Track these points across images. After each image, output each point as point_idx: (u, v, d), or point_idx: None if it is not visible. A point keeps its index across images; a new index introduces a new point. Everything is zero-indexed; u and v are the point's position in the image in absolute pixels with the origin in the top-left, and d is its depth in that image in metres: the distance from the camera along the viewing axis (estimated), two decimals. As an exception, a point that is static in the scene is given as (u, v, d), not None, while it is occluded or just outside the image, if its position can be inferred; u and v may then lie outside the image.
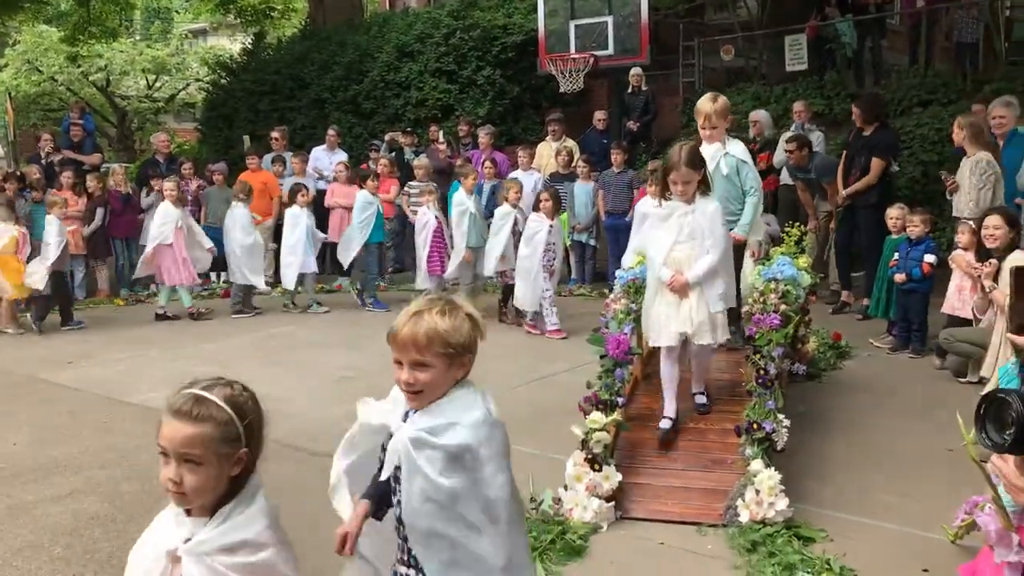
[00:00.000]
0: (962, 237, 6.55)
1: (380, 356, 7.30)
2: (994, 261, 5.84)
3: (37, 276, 8.68)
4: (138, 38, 29.26)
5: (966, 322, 6.39)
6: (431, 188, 9.56)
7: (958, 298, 6.53)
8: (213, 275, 11.48)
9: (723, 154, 5.39)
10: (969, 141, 7.13)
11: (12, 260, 8.74)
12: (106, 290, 10.95)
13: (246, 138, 14.03)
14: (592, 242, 10.68)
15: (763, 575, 3.52)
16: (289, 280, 9.80)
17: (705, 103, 5.53)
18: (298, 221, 9.80)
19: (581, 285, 10.54)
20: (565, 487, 4.20)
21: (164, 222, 9.52)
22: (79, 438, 5.53)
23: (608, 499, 4.11)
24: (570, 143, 11.44)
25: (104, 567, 3.77)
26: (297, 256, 9.72)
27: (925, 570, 3.59)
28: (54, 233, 8.90)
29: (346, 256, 9.78)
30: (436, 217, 9.20)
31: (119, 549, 3.90)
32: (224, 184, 11.53)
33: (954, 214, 7.36)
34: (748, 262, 5.58)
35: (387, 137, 12.69)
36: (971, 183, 7.00)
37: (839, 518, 4.09)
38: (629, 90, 12.57)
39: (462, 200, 8.99)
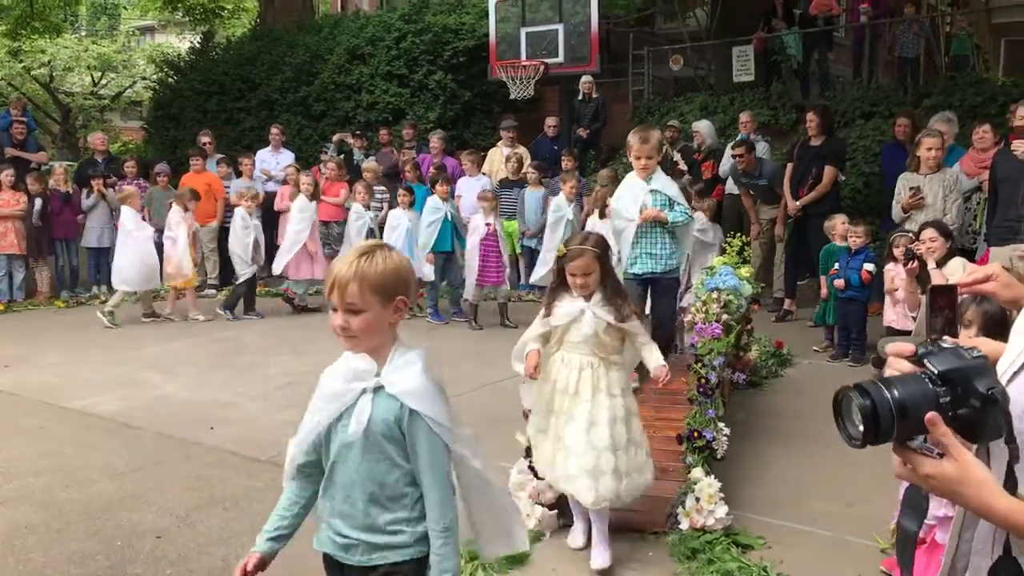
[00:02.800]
0: (898, 250, 6.71)
1: (326, 363, 7.29)
2: (914, 265, 6.02)
3: None
4: (84, 34, 28.72)
5: (906, 334, 6.54)
6: (488, 195, 9.18)
7: (894, 310, 6.69)
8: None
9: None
10: (941, 159, 7.28)
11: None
12: (46, 292, 10.72)
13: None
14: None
15: (702, 582, 3.57)
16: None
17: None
18: (399, 222, 9.55)
19: (530, 291, 10.58)
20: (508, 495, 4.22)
21: (303, 215, 9.67)
22: (13, 444, 5.40)
23: (551, 507, 4.13)
24: (521, 149, 11.48)
25: (37, 578, 3.70)
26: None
27: (859, 576, 3.68)
28: None
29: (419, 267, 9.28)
30: (487, 224, 8.93)
31: (54, 559, 3.83)
32: (168, 185, 11.37)
33: (914, 228, 7.42)
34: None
35: (335, 138, 12.61)
36: (951, 199, 7.09)
37: (777, 525, 4.17)
38: (580, 97, 12.65)
39: (560, 206, 9.12)
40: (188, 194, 9.90)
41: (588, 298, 3.67)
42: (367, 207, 9.86)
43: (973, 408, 1.25)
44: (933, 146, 7.20)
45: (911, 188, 7.23)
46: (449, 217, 9.02)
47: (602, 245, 3.73)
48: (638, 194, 5.26)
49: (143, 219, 9.82)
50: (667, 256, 5.30)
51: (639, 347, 3.77)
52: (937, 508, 2.75)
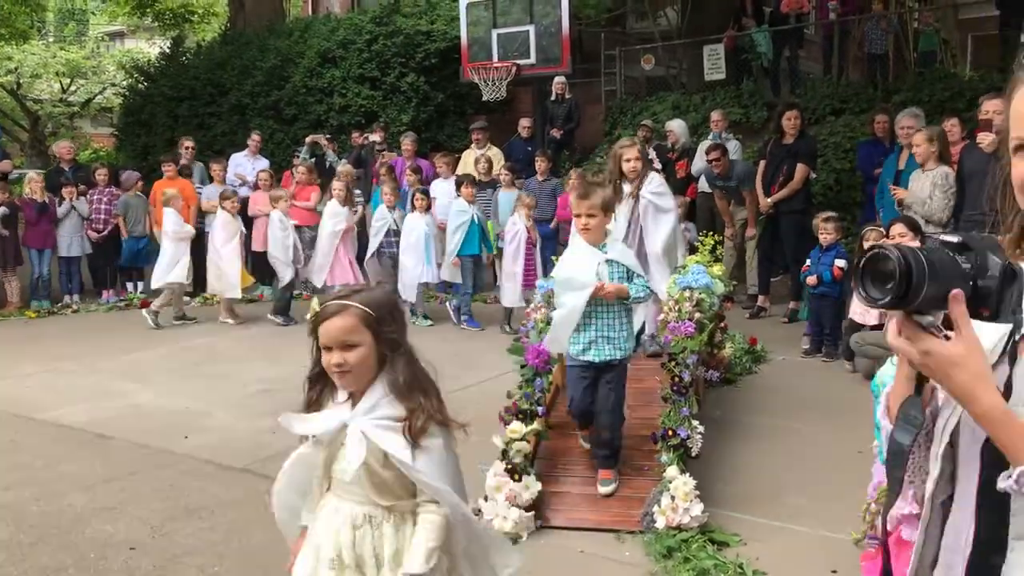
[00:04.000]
0: (868, 244, 6.76)
1: (300, 369, 7.24)
2: None
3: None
4: (51, 40, 28.42)
5: (875, 327, 6.60)
6: (527, 201, 9.04)
7: (859, 304, 6.74)
8: (130, 285, 11.22)
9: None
10: (936, 156, 7.16)
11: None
12: (17, 302, 10.58)
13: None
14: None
15: (678, 581, 3.59)
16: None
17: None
18: (415, 227, 9.23)
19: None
20: (485, 498, 4.22)
21: (338, 221, 9.51)
22: (-16, 458, 5.34)
23: (528, 509, 4.14)
24: (493, 151, 11.47)
25: (9, 593, 3.65)
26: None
27: (834, 571, 3.71)
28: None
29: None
30: (527, 228, 8.76)
31: (25, 574, 3.79)
32: (141, 192, 11.28)
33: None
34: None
35: (309, 140, 12.51)
36: (937, 197, 7.02)
37: (752, 522, 4.20)
38: (552, 98, 12.66)
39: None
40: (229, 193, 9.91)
41: (354, 401, 2.26)
42: (392, 208, 9.55)
43: (992, 279, 1.25)
44: (914, 142, 7.29)
45: (894, 187, 7.39)
46: (476, 220, 8.94)
47: (384, 305, 2.29)
48: (590, 264, 4.13)
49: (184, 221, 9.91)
50: (625, 339, 4.32)
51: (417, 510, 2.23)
52: (903, 506, 2.77)
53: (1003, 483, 1.24)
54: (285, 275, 9.52)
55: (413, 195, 9.53)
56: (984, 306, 1.26)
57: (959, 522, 1.37)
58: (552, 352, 4.68)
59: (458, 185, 9.42)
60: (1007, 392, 1.28)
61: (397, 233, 9.39)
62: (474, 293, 9.42)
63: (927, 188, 7.08)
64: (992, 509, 1.30)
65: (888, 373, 3.13)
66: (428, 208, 9.37)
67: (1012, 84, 1.38)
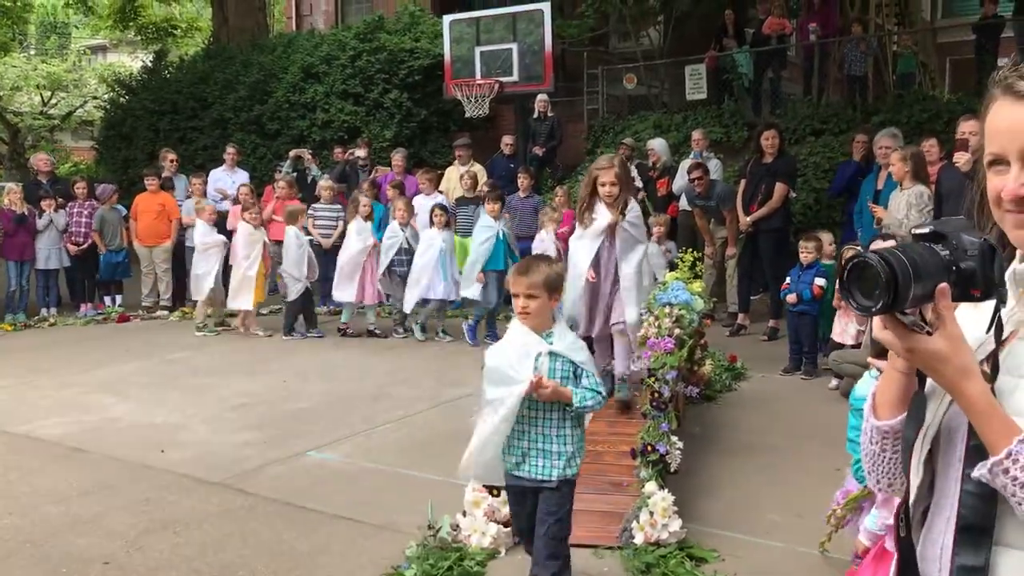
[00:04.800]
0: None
1: (279, 383, 7.21)
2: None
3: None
4: (32, 52, 28.31)
5: (854, 347, 6.65)
6: (552, 216, 9.03)
7: (840, 323, 6.79)
8: (108, 299, 11.13)
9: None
10: (912, 175, 7.23)
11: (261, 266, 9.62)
12: (-8, 315, 10.49)
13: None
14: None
15: (656, 596, 3.58)
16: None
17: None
18: (432, 242, 9.12)
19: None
20: (464, 513, 4.20)
21: (365, 237, 9.41)
22: (-44, 471, 5.27)
23: (506, 524, 4.11)
24: (476, 167, 11.49)
25: (-22, 607, 3.60)
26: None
27: (811, 586, 3.71)
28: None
29: (468, 285, 8.89)
30: (555, 244, 8.64)
31: (-5, 588, 3.74)
32: (119, 205, 11.22)
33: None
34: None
35: (292, 154, 12.48)
36: (912, 216, 7.04)
37: (730, 537, 4.20)
38: (535, 116, 12.72)
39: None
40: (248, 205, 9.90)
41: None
42: (404, 225, 9.39)
43: (973, 258, 1.26)
44: (891, 161, 7.38)
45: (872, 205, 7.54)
46: (502, 236, 8.83)
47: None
48: (528, 354, 3.30)
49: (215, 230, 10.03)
50: (569, 455, 3.31)
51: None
52: (888, 517, 2.79)
53: (977, 472, 1.25)
54: (293, 291, 9.41)
55: (395, 209, 9.52)
56: (973, 287, 1.28)
57: (936, 531, 1.38)
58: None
59: (481, 200, 9.37)
60: (994, 369, 1.30)
61: (409, 252, 9.26)
62: (498, 308, 9.16)
63: (903, 208, 7.15)
64: (971, 516, 1.31)
65: (865, 386, 3.15)
66: (447, 224, 9.29)
67: (987, 101, 1.40)
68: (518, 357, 3.29)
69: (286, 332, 9.47)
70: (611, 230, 5.41)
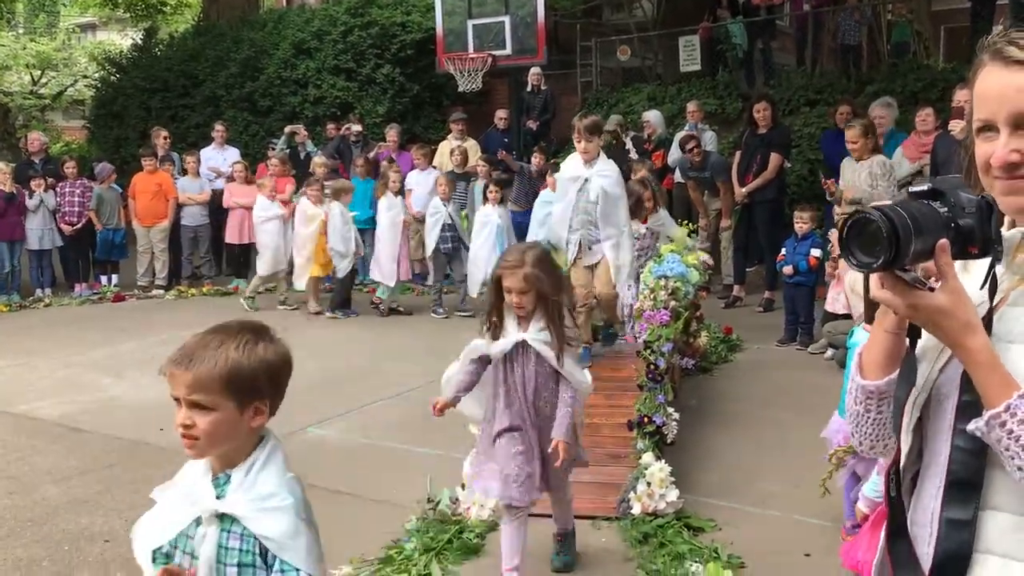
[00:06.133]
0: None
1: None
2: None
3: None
4: (21, 31, 28.05)
5: (847, 316, 6.65)
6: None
7: (832, 292, 6.80)
8: (104, 279, 11.11)
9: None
10: (872, 147, 7.26)
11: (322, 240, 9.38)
12: (-14, 295, 10.46)
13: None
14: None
15: (653, 566, 3.61)
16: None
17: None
18: (488, 219, 8.90)
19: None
20: (463, 486, 4.23)
21: (396, 212, 9.28)
22: (-45, 452, 5.28)
23: (505, 497, 4.14)
24: (470, 142, 11.45)
25: (-19, 586, 3.62)
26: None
27: (807, 554, 3.75)
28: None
29: (476, 277, 8.77)
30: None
31: (-3, 566, 3.76)
32: (115, 184, 11.19)
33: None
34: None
35: (287, 130, 12.39)
36: (881, 186, 7.04)
37: (727, 507, 4.23)
38: (528, 89, 12.65)
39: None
40: (315, 182, 9.65)
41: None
42: (447, 201, 9.17)
43: (971, 215, 1.27)
44: (849, 138, 7.31)
45: (825, 179, 7.40)
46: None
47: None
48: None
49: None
50: None
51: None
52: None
53: (973, 425, 1.26)
54: (342, 268, 9.33)
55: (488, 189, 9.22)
56: (971, 244, 1.28)
57: (927, 496, 1.39)
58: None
59: (542, 175, 9.25)
60: (987, 328, 1.30)
61: (452, 227, 9.12)
62: None
63: (865, 179, 7.12)
64: (961, 471, 1.32)
65: (861, 338, 3.16)
66: (502, 200, 9.11)
67: (975, 67, 1.40)
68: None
69: (331, 309, 9.33)
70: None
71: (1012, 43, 1.34)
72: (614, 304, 6.02)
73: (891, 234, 1.21)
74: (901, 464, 1.43)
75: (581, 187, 5.91)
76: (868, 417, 1.47)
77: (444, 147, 11.58)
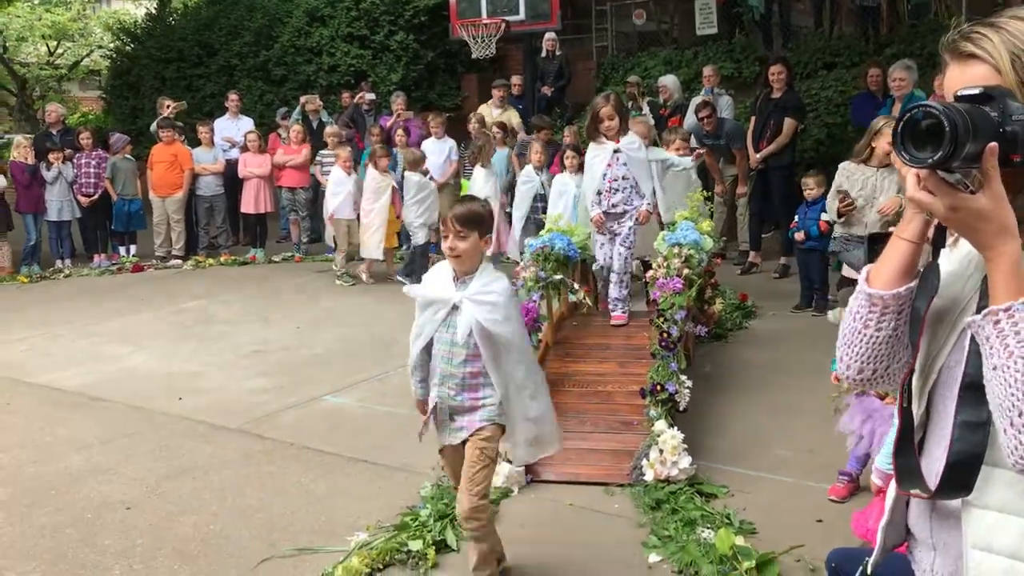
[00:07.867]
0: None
1: (293, 330, 7.26)
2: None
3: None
4: (36, 2, 28.06)
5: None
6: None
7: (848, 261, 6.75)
8: (123, 249, 11.20)
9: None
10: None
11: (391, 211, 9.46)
12: (8, 267, 10.57)
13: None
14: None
15: (666, 531, 3.65)
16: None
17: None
18: (566, 188, 7.93)
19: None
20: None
21: (488, 184, 9.15)
22: (-20, 422, 5.38)
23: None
24: (511, 112, 11.33)
25: (7, 552, 3.70)
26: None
27: (819, 520, 3.77)
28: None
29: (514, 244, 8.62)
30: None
31: (23, 534, 3.84)
32: (130, 155, 11.23)
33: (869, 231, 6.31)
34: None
35: (303, 99, 12.37)
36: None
37: (740, 473, 4.26)
38: (543, 55, 12.57)
39: (529, 176, 8.68)
40: (381, 151, 9.51)
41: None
42: (540, 169, 8.76)
43: (1018, 123, 1.27)
44: (897, 77, 7.16)
45: (840, 192, 6.29)
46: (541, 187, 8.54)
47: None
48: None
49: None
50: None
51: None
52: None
53: (968, 318, 1.30)
54: (419, 236, 9.22)
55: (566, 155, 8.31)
56: (1013, 152, 1.28)
57: (932, 459, 1.42)
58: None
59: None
60: None
61: (543, 198, 8.34)
62: None
63: (892, 191, 6.96)
64: (974, 385, 1.32)
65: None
66: (580, 168, 8.84)
67: (941, 69, 1.43)
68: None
69: (403, 274, 9.14)
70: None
71: (965, 38, 1.37)
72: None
73: (953, 131, 1.22)
74: (914, 378, 1.44)
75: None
76: (865, 334, 1.46)
77: (484, 110, 11.42)
